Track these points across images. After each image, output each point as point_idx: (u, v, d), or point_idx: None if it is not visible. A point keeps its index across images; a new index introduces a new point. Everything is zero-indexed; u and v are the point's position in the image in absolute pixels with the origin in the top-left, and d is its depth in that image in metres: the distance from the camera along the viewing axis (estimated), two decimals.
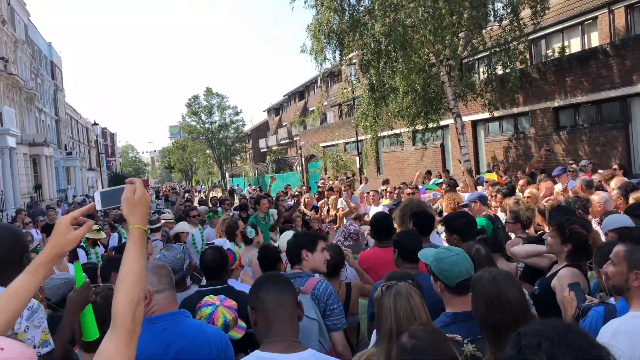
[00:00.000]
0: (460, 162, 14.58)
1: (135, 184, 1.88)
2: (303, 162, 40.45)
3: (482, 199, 6.63)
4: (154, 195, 31.54)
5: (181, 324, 2.69)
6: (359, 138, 26.62)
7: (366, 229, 6.86)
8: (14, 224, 11.80)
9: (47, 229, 12.07)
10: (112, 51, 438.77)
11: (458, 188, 9.87)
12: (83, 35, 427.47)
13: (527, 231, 5.33)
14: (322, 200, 12.05)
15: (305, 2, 17.51)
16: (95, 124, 35.11)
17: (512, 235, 5.55)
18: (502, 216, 6.62)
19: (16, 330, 2.38)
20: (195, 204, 14.70)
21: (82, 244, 8.67)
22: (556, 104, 16.39)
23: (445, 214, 6.51)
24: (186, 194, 20.93)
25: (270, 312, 2.21)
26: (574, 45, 18.53)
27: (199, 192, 27.83)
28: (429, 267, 3.14)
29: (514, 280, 2.67)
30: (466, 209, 6.03)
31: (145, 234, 1.83)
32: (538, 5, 15.62)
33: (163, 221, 8.46)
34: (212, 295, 3.41)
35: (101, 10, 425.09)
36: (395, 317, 2.53)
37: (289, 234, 5.34)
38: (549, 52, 19.15)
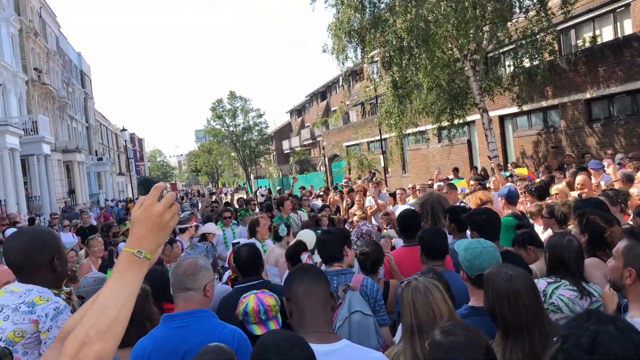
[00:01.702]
0: (490, 159, 14.24)
1: (154, 192, 1.48)
2: (326, 163, 40.31)
3: (509, 196, 6.28)
4: (182, 198, 31.91)
5: (195, 323, 2.68)
6: (383, 136, 26.34)
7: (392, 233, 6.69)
8: (52, 227, 12.03)
9: (82, 232, 12.33)
10: (138, 59, 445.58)
11: (488, 186, 9.60)
12: (110, 44, 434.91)
13: (563, 227, 5.05)
14: (345, 201, 11.87)
15: (325, 2, 17.46)
16: (123, 129, 35.88)
17: (549, 231, 5.26)
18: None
19: (40, 328, 2.45)
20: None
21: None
22: (588, 96, 15.89)
23: None
24: (213, 196, 21.03)
25: (303, 303, 2.24)
26: (606, 34, 17.96)
27: (225, 194, 28.23)
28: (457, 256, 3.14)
29: (530, 280, 2.59)
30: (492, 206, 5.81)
31: (134, 260, 1.42)
32: None
33: (194, 223, 8.37)
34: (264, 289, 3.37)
35: (127, 20, 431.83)
36: (414, 313, 2.55)
37: (307, 233, 5.22)
38: (579, 42, 18.62)
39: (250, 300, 3.12)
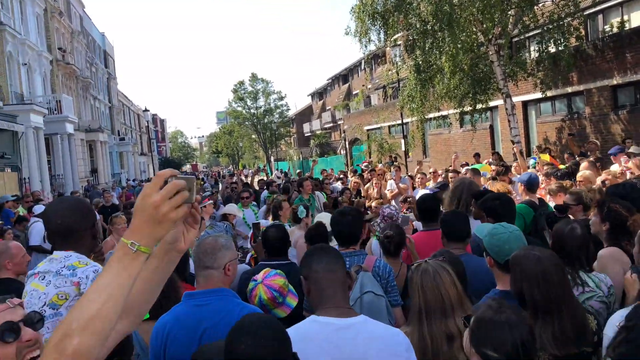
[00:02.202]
0: (513, 144, 14.11)
1: (155, 180, 1.38)
2: (347, 146, 40.24)
3: (529, 182, 6.23)
4: (203, 179, 32.15)
5: (215, 302, 2.70)
6: (405, 120, 26.21)
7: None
8: None
9: (104, 211, 12.57)
10: (161, 40, 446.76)
11: (512, 170, 9.56)
12: (133, 25, 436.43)
13: (588, 213, 5.01)
14: (367, 185, 11.87)
15: None
16: (146, 110, 36.03)
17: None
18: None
19: (82, 290, 2.51)
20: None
21: None
22: (614, 82, 15.63)
23: None
24: (232, 177, 21.22)
25: (323, 280, 2.28)
26: (635, 19, 17.57)
27: (246, 176, 28.47)
28: (482, 242, 3.13)
29: (558, 260, 2.61)
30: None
31: (127, 252, 1.32)
32: None
33: (208, 202, 8.51)
34: (266, 270, 3.38)
35: (151, 1, 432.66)
36: (422, 296, 2.59)
37: (325, 215, 5.24)
38: (607, 27, 18.25)
39: (260, 292, 3.12)
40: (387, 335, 2.20)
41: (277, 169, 36.52)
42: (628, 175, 6.87)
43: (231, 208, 8.32)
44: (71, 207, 2.70)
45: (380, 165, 17.91)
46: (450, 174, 10.37)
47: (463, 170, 11.45)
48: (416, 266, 2.70)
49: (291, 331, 2.15)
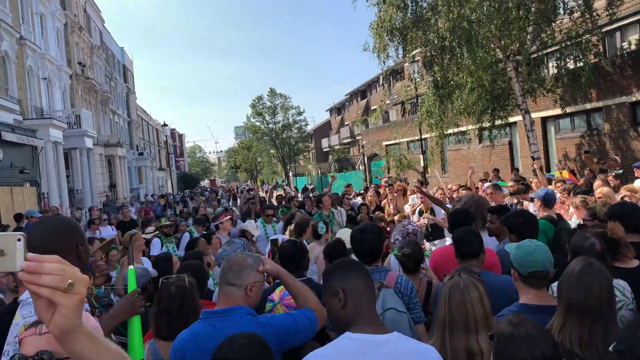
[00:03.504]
0: (533, 160, 14.08)
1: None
2: (365, 161, 40.28)
3: (546, 199, 6.29)
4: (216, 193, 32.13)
5: (232, 321, 2.64)
6: (423, 136, 26.26)
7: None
8: (94, 221, 12.44)
9: (122, 226, 12.67)
10: (180, 54, 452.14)
11: (532, 185, 9.59)
12: (152, 39, 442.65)
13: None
14: (385, 200, 11.93)
15: (367, 0, 17.45)
16: (164, 124, 36.14)
17: None
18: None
19: None
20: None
21: (157, 234, 9.13)
22: (633, 99, 15.58)
23: None
24: (251, 192, 21.33)
25: (363, 297, 2.28)
26: None
27: (266, 191, 28.39)
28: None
29: (608, 277, 2.60)
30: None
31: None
32: None
33: (226, 217, 8.56)
34: (281, 288, 3.37)
35: (168, 18, 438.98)
36: (448, 309, 2.58)
37: (345, 231, 5.26)
38: (625, 44, 18.22)
39: (280, 312, 3.12)
40: (422, 350, 2.22)
41: (287, 185, 36.12)
42: None
43: (250, 225, 8.34)
44: (52, 227, 2.50)
45: (398, 182, 17.95)
46: (462, 190, 10.43)
47: (484, 185, 11.49)
48: (449, 278, 2.71)
49: (327, 348, 2.21)
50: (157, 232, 9.08)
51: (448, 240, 4.99)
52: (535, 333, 1.94)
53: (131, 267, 3.13)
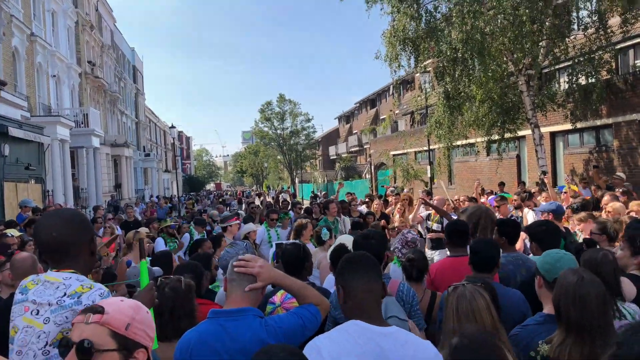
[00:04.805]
0: (543, 174, 13.97)
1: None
2: (372, 170, 40.26)
3: (556, 212, 6.26)
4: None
5: (241, 321, 2.57)
6: (431, 147, 26.26)
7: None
8: (97, 220, 12.41)
9: (126, 226, 12.59)
10: (190, 57, 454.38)
11: (540, 198, 9.55)
12: (162, 41, 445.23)
13: (613, 244, 5.02)
14: (389, 209, 11.88)
15: (381, 9, 17.47)
16: (172, 127, 36.19)
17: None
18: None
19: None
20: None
21: (160, 235, 9.14)
22: None
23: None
24: (260, 196, 21.42)
25: (360, 298, 2.34)
26: None
27: (273, 197, 28.30)
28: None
29: (601, 289, 2.58)
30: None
31: None
32: (628, 13, 14.84)
33: (235, 222, 8.60)
34: (281, 292, 3.35)
35: (180, 23, 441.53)
36: (456, 319, 2.58)
37: (346, 237, 5.26)
38: (637, 62, 18.16)
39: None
40: (421, 342, 2.31)
41: (285, 190, 35.69)
42: None
43: (248, 227, 8.54)
44: (67, 219, 2.43)
45: (405, 191, 17.91)
46: (467, 202, 10.40)
47: (489, 198, 11.45)
48: (453, 289, 2.70)
49: (333, 332, 2.29)
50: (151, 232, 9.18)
51: (449, 252, 4.94)
52: (478, 341, 2.00)
53: (143, 260, 3.12)
